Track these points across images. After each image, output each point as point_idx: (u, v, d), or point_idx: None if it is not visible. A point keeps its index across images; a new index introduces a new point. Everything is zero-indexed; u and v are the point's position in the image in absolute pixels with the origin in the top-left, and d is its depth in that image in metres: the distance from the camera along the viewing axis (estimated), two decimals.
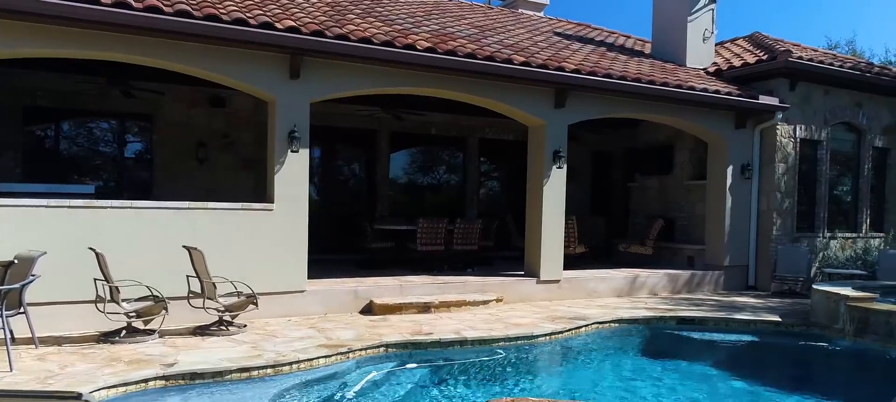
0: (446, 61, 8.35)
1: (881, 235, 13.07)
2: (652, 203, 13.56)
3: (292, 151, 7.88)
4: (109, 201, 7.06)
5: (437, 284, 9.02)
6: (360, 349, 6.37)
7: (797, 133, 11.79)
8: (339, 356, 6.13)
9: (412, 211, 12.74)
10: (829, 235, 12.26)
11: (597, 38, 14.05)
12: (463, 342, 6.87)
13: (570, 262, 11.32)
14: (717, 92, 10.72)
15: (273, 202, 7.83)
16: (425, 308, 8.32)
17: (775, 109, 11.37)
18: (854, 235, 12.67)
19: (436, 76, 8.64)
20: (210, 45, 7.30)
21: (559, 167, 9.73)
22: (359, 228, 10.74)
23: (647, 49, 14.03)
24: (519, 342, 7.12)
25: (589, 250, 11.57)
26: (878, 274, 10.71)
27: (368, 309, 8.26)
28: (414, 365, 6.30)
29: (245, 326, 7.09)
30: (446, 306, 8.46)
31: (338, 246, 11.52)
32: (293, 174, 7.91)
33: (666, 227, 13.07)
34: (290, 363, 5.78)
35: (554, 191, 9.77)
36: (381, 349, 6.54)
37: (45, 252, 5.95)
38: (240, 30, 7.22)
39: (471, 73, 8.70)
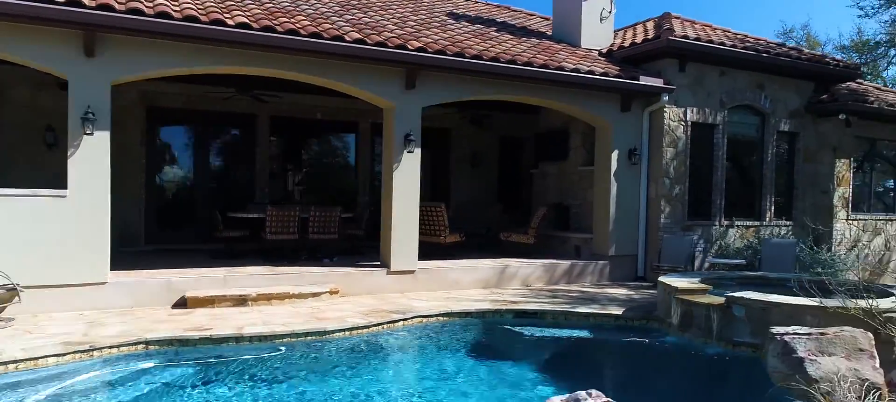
0: (260, 38, 7.81)
1: (788, 223, 12.55)
2: (551, 191, 13.05)
3: (87, 135, 7.37)
4: None
5: (270, 275, 8.53)
6: (111, 347, 5.89)
7: (688, 116, 11.24)
8: (77, 355, 5.65)
9: (301, 199, 12.27)
10: (726, 223, 11.73)
11: (509, 21, 13.49)
12: (240, 339, 6.39)
13: (442, 252, 10.85)
14: (590, 72, 10.17)
15: (66, 189, 7.33)
16: (241, 301, 7.83)
17: (660, 91, 10.82)
18: (757, 223, 12.14)
19: (258, 55, 8.11)
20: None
21: (410, 152, 9.20)
22: (211, 216, 10.24)
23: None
24: (309, 338, 6.63)
25: (465, 239, 11.06)
26: (761, 264, 10.21)
27: (182, 302, 7.78)
28: (167, 363, 5.82)
29: (13, 320, 6.61)
30: (267, 298, 7.97)
31: (206, 236, 11.04)
32: (89, 159, 7.40)
33: (562, 215, 12.58)
34: (6, 363, 5.30)
35: (406, 176, 9.25)
36: (140, 346, 6.05)
37: None
38: (26, 4, 6.71)
39: (298, 51, 8.17)
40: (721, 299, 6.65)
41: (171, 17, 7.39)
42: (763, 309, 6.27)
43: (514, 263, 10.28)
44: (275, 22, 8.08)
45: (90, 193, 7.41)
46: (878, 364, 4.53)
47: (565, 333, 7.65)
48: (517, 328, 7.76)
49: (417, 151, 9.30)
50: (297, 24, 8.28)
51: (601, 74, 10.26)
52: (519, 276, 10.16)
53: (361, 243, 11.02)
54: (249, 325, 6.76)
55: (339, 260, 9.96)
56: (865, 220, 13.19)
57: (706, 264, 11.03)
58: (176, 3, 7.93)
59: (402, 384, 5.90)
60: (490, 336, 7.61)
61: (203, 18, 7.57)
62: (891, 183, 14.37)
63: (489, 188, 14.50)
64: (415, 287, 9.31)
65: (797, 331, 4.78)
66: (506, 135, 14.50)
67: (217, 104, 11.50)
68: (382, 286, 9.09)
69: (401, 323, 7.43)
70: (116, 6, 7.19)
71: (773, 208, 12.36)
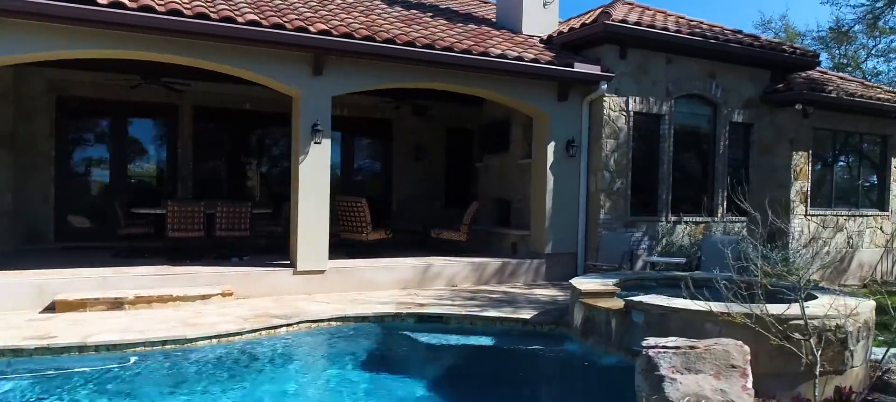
0: (138, 19, 7.15)
1: (742, 219, 11.90)
2: (493, 185, 12.42)
3: None
4: None
5: (161, 275, 7.90)
6: None
7: (630, 106, 10.59)
8: None
9: (224, 194, 11.64)
10: (673, 219, 11.09)
11: (454, 7, 12.83)
12: (84, 348, 5.77)
13: (366, 250, 10.23)
14: (519, 59, 9.52)
15: None
16: (117, 304, 7.21)
17: (598, 79, 10.17)
18: (708, 219, 11.50)
19: (139, 37, 7.46)
20: None
21: (318, 142, 8.56)
22: (113, 212, 9.62)
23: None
24: (167, 347, 6.01)
25: (392, 236, 10.44)
26: (702, 263, 9.58)
27: (52, 306, 7.16)
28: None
29: None
30: (147, 301, 7.35)
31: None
32: None
33: (504, 210, 11.96)
34: None
35: (314, 169, 8.62)
36: None
37: None
38: None
39: (185, 34, 7.53)
40: (621, 304, 6.02)
41: None
42: (661, 315, 5.64)
43: (438, 261, 9.65)
44: (155, 1, 7.43)
45: None
46: (750, 384, 3.90)
47: (467, 340, 7.03)
48: (417, 335, 7.13)
49: (326, 142, 8.66)
50: (183, 4, 7.64)
51: (531, 61, 9.61)
52: (444, 276, 9.53)
53: (284, 242, 10.37)
54: (107, 332, 6.14)
55: (250, 259, 9.33)
56: (826, 216, 12.55)
57: (640, 264, 10.39)
58: None
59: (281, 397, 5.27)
60: (384, 344, 6.98)
61: None
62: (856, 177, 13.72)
63: (435, 182, 13.87)
64: (324, 288, 8.69)
65: (666, 344, 4.16)
66: (453, 127, 13.86)
67: (134, 95, 10.86)
68: (287, 287, 8.47)
69: (284, 329, 6.80)
70: None
71: (725, 203, 11.72)
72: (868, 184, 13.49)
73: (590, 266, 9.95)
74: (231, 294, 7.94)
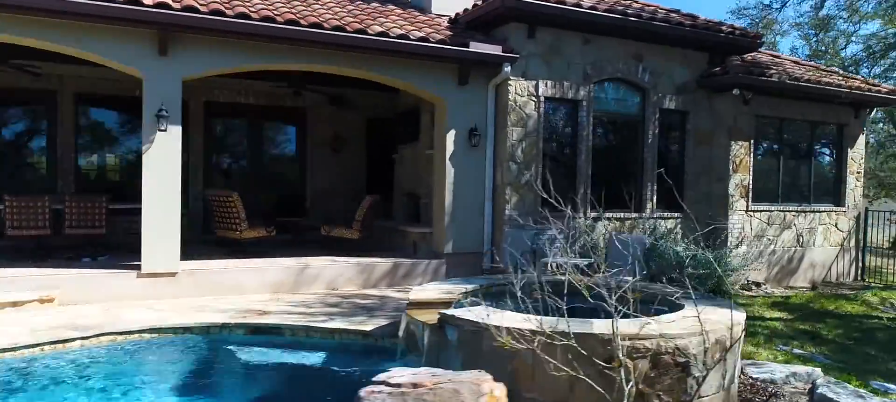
0: None
1: (676, 215, 10.90)
2: (405, 177, 11.49)
3: None
4: None
5: None
6: None
7: (540, 90, 9.61)
8: None
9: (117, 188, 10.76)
10: (593, 215, 10.10)
11: None
12: None
13: (242, 250, 9.34)
14: (402, 37, 8.55)
15: None
16: None
17: (500, 60, 9.19)
18: (635, 215, 10.51)
19: None
20: None
21: (163, 130, 7.65)
22: None
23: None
24: None
25: (274, 234, 9.53)
26: (609, 264, 8.59)
27: None
28: None
29: None
30: None
31: None
32: None
33: (414, 205, 11.03)
34: None
35: (160, 159, 7.71)
36: None
37: None
38: None
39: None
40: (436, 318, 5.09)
41: None
42: (474, 332, 4.71)
43: (317, 262, 8.73)
44: None
45: None
46: None
47: (293, 357, 6.12)
48: (242, 350, 6.23)
49: (174, 129, 7.74)
50: None
51: (418, 40, 8.64)
52: (323, 278, 8.62)
53: None
54: None
55: (108, 259, 8.45)
56: (771, 211, 11.53)
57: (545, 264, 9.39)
58: None
59: None
60: (199, 361, 6.09)
61: None
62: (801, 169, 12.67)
63: (355, 176, 12.93)
64: (176, 293, 7.79)
65: (390, 380, 3.24)
66: (374, 116, 12.92)
67: (8, 79, 9.99)
68: (131, 292, 7.58)
69: (78, 343, 5.91)
70: None
71: (655, 197, 10.72)
72: (820, 177, 12.44)
73: (490, 269, 9.01)
74: (51, 300, 7.06)
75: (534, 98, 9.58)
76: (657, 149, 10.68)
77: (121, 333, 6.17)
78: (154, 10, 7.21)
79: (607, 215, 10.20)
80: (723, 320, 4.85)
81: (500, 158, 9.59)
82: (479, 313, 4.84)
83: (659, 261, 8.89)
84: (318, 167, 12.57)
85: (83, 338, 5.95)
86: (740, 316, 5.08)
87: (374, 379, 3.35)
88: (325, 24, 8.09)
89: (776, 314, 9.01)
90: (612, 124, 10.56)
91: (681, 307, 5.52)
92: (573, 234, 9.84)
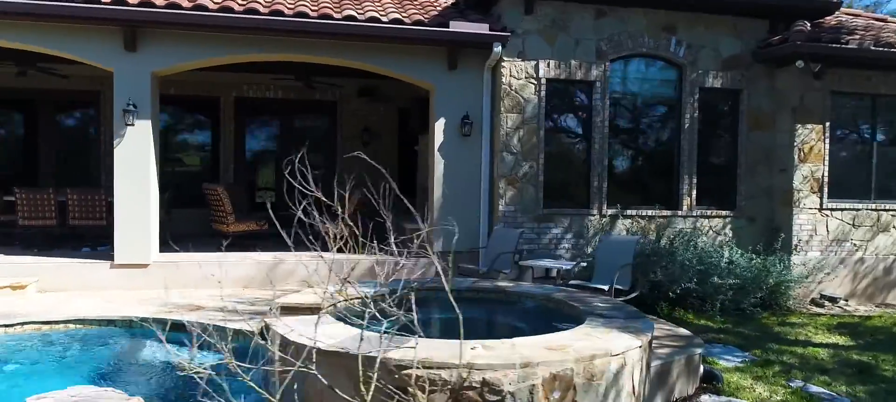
0: None
1: (724, 213, 9.26)
2: (422, 170, 10.89)
3: None
4: None
5: None
6: None
7: (541, 72, 8.56)
8: None
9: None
10: (610, 212, 8.84)
11: None
12: None
13: (235, 243, 9.29)
14: (373, 19, 7.99)
15: None
16: None
17: (489, 40, 8.31)
18: (667, 213, 9.06)
19: None
20: None
21: (130, 124, 7.81)
22: None
23: None
24: None
25: (265, 227, 9.42)
26: (595, 269, 7.44)
27: None
28: None
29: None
30: None
31: None
32: None
33: (424, 199, 10.41)
34: None
35: (130, 153, 7.88)
36: None
37: None
38: None
39: None
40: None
41: None
42: (283, 345, 4.11)
43: (292, 258, 8.45)
44: None
45: None
46: None
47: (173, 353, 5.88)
48: (143, 343, 6.13)
49: (143, 123, 7.87)
50: None
51: (390, 22, 8.04)
52: (298, 274, 8.35)
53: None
54: None
55: (106, 250, 8.87)
56: (857, 210, 9.38)
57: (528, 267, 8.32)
58: None
59: None
60: (99, 353, 6.05)
61: None
62: None
63: (387, 169, 12.51)
64: (148, 284, 7.91)
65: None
66: (406, 106, 12.45)
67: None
68: (102, 282, 7.85)
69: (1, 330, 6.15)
70: None
71: (694, 192, 9.15)
72: None
73: (485, 270, 8.18)
74: (24, 287, 7.47)
75: (533, 80, 8.56)
76: (697, 135, 9.11)
77: (46, 322, 6.32)
78: (112, 7, 7.35)
79: (629, 212, 8.86)
80: (602, 348, 3.80)
81: (495, 149, 8.70)
82: (296, 324, 4.23)
83: (668, 268, 7.53)
84: (347, 161, 12.36)
85: (6, 325, 6.17)
86: (627, 344, 3.96)
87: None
88: (285, 10, 7.78)
89: (830, 339, 7.24)
90: (637, 108, 9.19)
91: (580, 323, 4.49)
92: (588, 233, 8.74)
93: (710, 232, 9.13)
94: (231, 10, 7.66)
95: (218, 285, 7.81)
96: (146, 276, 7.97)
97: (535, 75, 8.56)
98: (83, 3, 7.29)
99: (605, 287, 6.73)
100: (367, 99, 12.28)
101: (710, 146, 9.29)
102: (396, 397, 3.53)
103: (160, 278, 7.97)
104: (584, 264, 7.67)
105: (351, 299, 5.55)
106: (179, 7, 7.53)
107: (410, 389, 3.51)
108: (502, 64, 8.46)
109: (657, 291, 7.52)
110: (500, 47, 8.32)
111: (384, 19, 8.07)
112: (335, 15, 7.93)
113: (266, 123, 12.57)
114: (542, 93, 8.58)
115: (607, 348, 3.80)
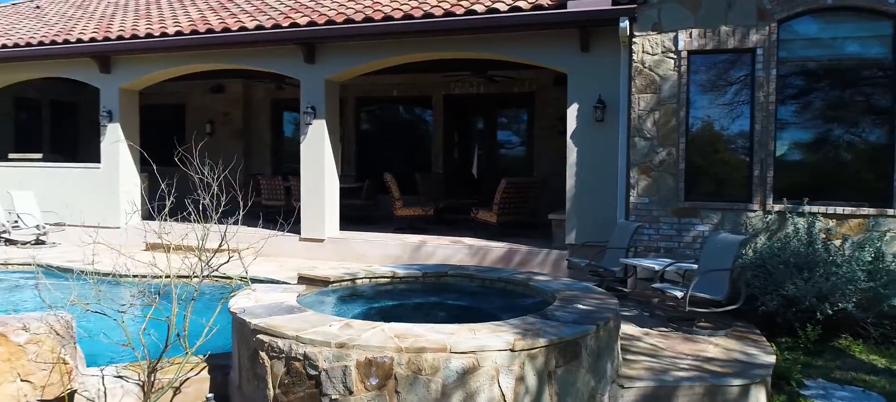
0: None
1: None
2: None
3: None
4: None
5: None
6: None
7: (681, 44, 7.45)
8: None
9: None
10: (777, 207, 7.18)
11: None
12: None
13: (403, 226, 10.44)
14: (492, 11, 8.07)
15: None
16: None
17: (614, 15, 7.61)
18: (873, 211, 6.94)
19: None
20: None
21: (309, 123, 9.53)
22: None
23: None
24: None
25: (432, 213, 10.25)
26: (697, 269, 6.26)
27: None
28: None
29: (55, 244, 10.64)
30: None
31: None
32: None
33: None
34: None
35: (311, 147, 9.63)
36: None
37: None
38: None
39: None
40: None
41: None
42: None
43: (434, 242, 9.19)
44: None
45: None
46: None
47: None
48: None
49: (318, 122, 9.52)
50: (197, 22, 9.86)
51: (510, 11, 8.02)
52: (437, 256, 9.05)
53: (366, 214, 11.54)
54: None
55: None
56: None
57: (647, 264, 7.20)
58: None
59: None
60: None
61: None
62: None
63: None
64: (323, 256, 9.60)
65: None
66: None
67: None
68: (294, 251, 9.79)
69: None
70: None
71: None
72: None
73: (591, 265, 7.62)
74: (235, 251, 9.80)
75: (671, 54, 7.50)
76: None
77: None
78: (289, 30, 9.13)
79: (811, 208, 7.04)
80: (466, 346, 3.63)
81: (630, 135, 7.89)
82: (264, 293, 4.99)
83: (811, 279, 5.93)
84: (544, 151, 12.36)
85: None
86: (484, 343, 3.64)
87: None
88: (414, 13, 8.47)
89: None
90: (819, 77, 7.16)
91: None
92: (748, 231, 7.44)
93: None
94: (392, 17, 8.61)
95: (365, 260, 9.01)
96: (322, 249, 9.65)
97: (673, 49, 7.47)
98: (269, 30, 9.21)
99: (705, 295, 5.73)
100: (563, 87, 12.07)
101: None
102: (259, 359, 3.99)
103: (331, 251, 9.58)
104: (692, 266, 6.50)
105: (376, 278, 6.04)
106: (352, 21, 8.85)
107: (260, 352, 3.94)
108: (634, 40, 7.62)
109: (793, 308, 5.95)
110: (627, 22, 7.53)
111: (503, 8, 8.10)
112: (457, 12, 8.30)
113: (469, 117, 13.44)
114: (683, 68, 7.43)
115: (470, 346, 3.59)
